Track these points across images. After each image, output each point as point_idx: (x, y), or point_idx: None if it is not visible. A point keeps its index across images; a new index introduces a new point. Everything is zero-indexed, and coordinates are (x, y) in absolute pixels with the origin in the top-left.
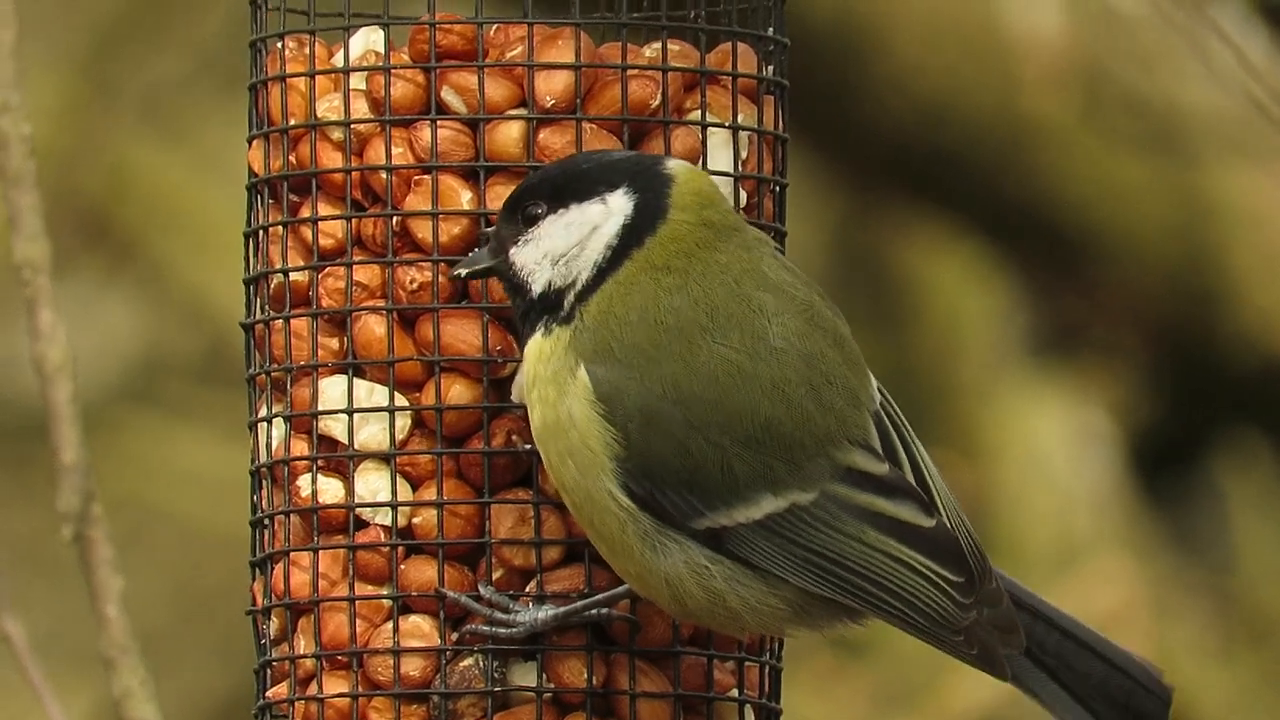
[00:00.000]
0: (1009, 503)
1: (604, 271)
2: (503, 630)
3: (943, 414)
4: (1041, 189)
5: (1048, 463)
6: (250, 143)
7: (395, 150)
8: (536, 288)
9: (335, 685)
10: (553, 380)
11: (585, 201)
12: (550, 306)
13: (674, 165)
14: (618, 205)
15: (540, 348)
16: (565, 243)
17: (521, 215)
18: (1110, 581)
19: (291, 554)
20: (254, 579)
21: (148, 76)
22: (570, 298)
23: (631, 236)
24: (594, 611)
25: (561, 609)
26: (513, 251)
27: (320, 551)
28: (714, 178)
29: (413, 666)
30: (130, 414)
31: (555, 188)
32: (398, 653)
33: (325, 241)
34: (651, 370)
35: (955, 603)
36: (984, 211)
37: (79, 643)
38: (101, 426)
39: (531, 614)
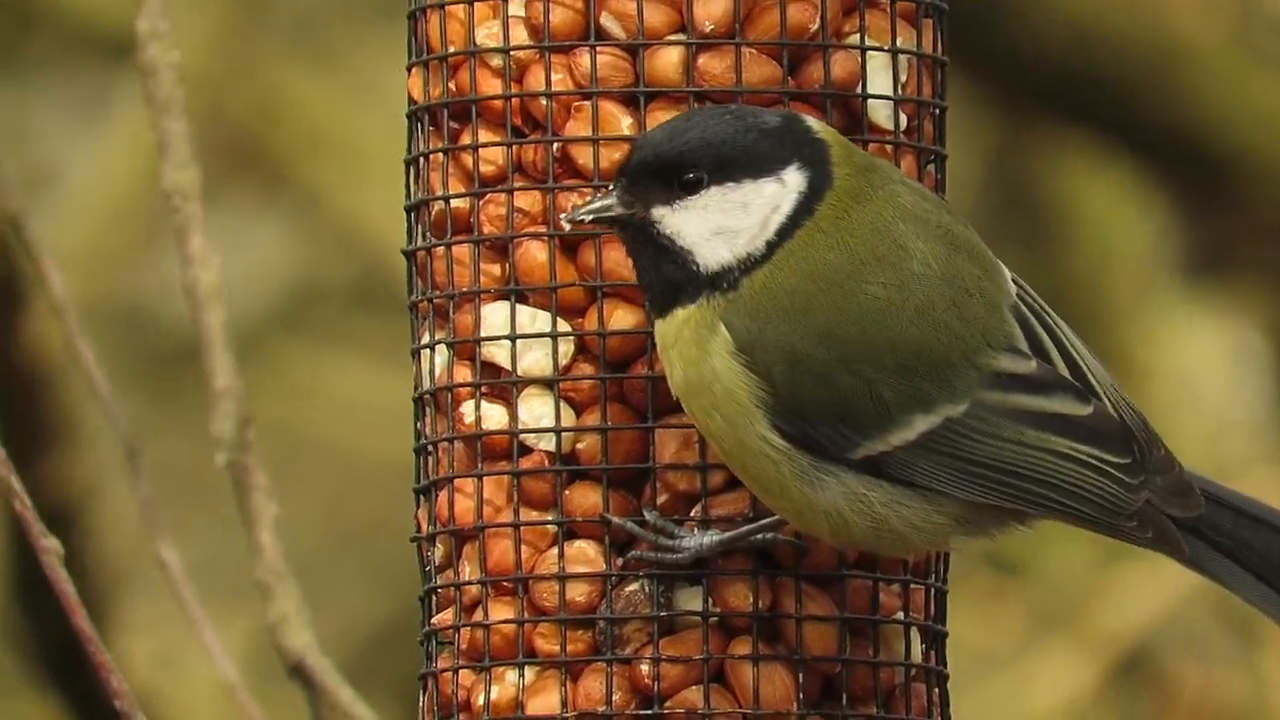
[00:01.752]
0: (1162, 424)
1: (774, 245)
2: (668, 556)
3: (1095, 336)
4: (1193, 111)
5: (1201, 384)
6: (410, 70)
7: (555, 76)
8: (707, 263)
9: (501, 611)
10: (694, 340)
11: (760, 179)
12: (716, 280)
13: (817, 125)
14: (794, 182)
15: (689, 315)
16: (742, 220)
17: (679, 180)
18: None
19: (455, 480)
20: (418, 506)
21: (298, 1)
22: (737, 272)
23: (804, 209)
24: (759, 536)
25: (727, 534)
26: (661, 213)
27: (484, 478)
28: (873, 101)
29: (578, 592)
30: (283, 341)
31: (720, 158)
32: (563, 578)
33: (486, 168)
34: (802, 321)
35: (1124, 485)
36: (1135, 134)
37: (234, 570)
38: (255, 353)
39: (697, 539)
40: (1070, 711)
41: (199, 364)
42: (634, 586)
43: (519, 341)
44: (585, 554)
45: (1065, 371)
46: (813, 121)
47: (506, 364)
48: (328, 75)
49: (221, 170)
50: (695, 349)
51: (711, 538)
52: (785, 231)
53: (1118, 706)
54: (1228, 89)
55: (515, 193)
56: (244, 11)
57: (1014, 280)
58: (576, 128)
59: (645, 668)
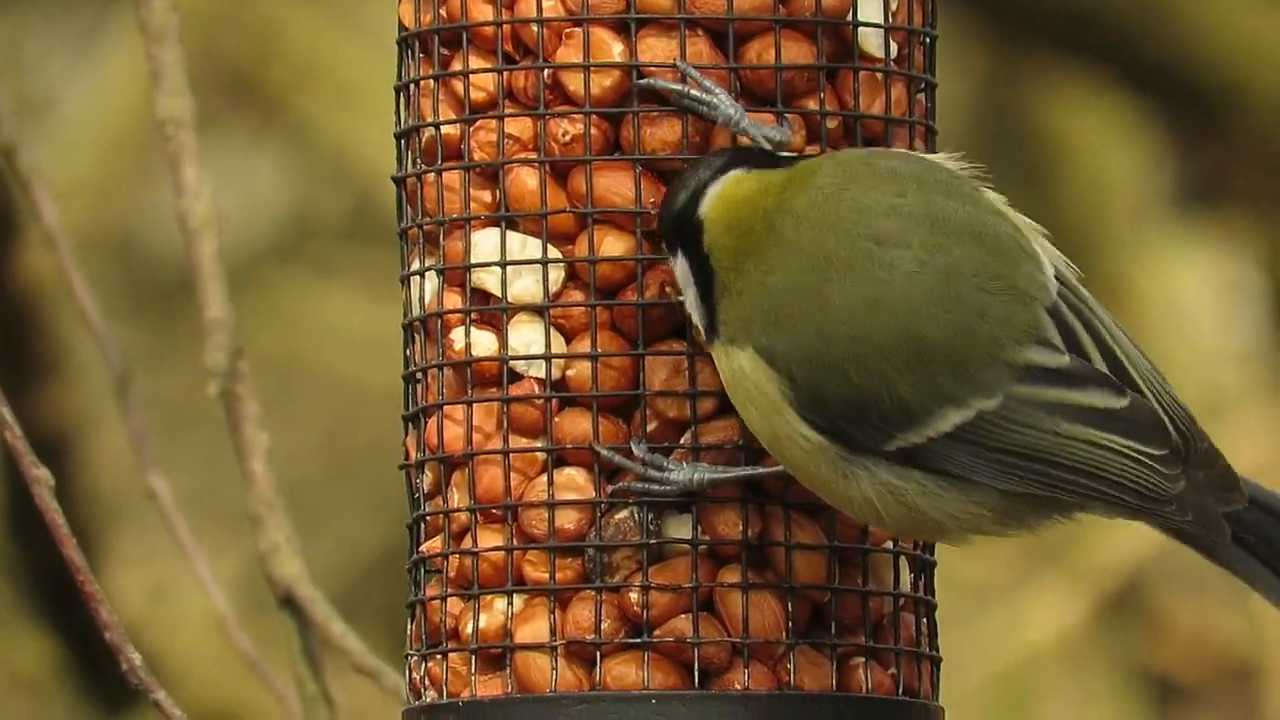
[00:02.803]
0: (1155, 356)
1: (712, 306)
2: (655, 488)
3: (1088, 268)
4: (1188, 43)
5: (1194, 315)
6: None
7: (546, 3)
8: (693, 317)
9: (490, 539)
10: (723, 353)
11: (673, 258)
12: (704, 328)
13: (705, 205)
14: (682, 270)
15: (714, 351)
16: (683, 287)
17: None
18: (1255, 434)
19: (445, 408)
20: (406, 433)
21: None
22: (704, 324)
23: (704, 282)
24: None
25: (717, 474)
26: None
27: (474, 405)
28: (864, 29)
29: (567, 519)
30: (277, 271)
31: (662, 234)
32: (552, 505)
33: (476, 95)
34: (796, 330)
35: (1161, 475)
36: (1130, 65)
37: (226, 500)
38: (248, 284)
39: (686, 474)
40: (1064, 645)
41: (192, 294)
42: (623, 514)
43: (509, 268)
44: (574, 481)
45: (1102, 365)
46: (706, 205)
47: (496, 290)
48: (322, 6)
49: (216, 102)
50: (724, 357)
51: (701, 474)
52: (706, 296)
53: (1111, 641)
54: (1223, 21)
55: (506, 119)
56: None
57: (1057, 273)
58: (567, 54)
59: (634, 596)
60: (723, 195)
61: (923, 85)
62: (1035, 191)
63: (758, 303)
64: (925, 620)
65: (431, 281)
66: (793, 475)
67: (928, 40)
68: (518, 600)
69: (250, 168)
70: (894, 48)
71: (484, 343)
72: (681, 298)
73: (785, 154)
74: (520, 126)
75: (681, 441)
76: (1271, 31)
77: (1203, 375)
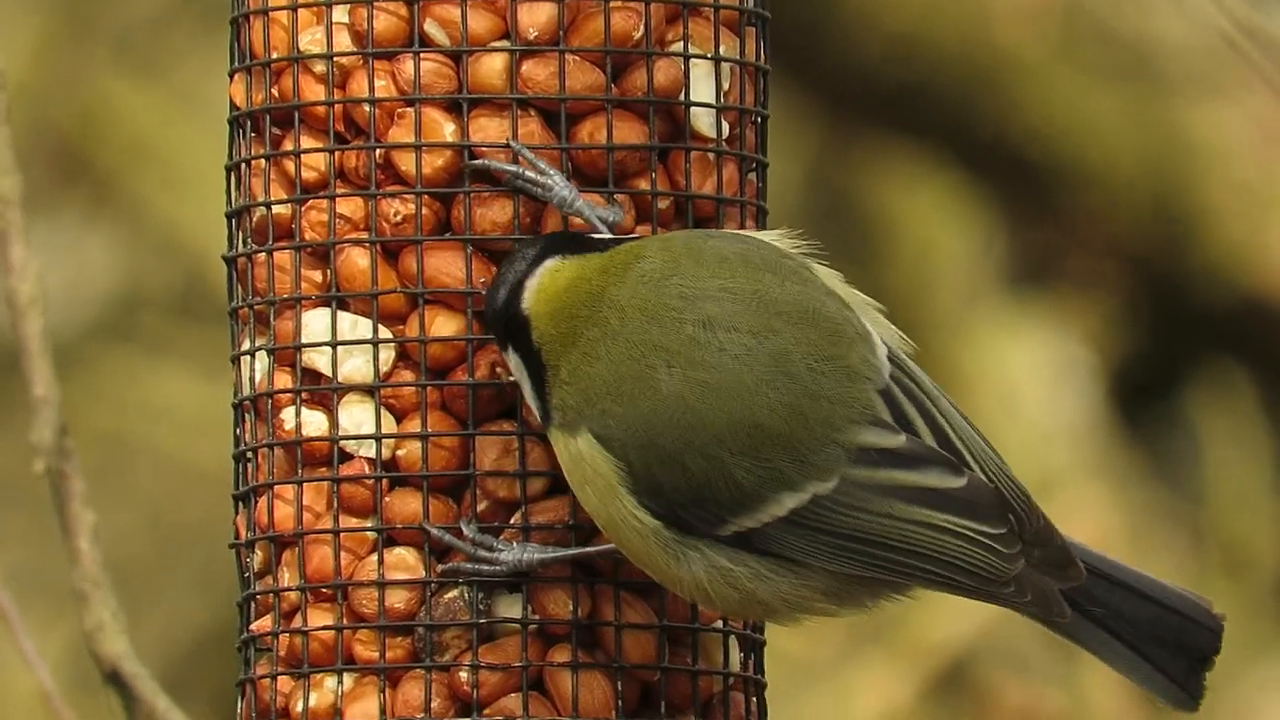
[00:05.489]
0: (985, 434)
1: (546, 395)
2: (485, 568)
3: (919, 346)
4: (1015, 121)
5: (1023, 394)
6: (232, 76)
7: (378, 83)
8: (531, 406)
9: (320, 618)
10: (561, 438)
11: (504, 352)
12: (540, 415)
13: (527, 299)
14: (515, 363)
15: (552, 435)
16: (519, 379)
17: None
18: (1086, 513)
19: (275, 487)
20: (237, 512)
21: (123, 13)
22: (540, 412)
23: (537, 374)
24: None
25: (547, 554)
26: None
27: (304, 484)
28: (696, 109)
29: (397, 599)
30: (106, 350)
31: (491, 331)
32: (382, 585)
33: (308, 174)
34: (628, 418)
35: (1000, 555)
36: (958, 144)
37: (52, 578)
38: (77, 362)
39: (515, 554)
40: None
41: (18, 372)
42: (453, 594)
43: (340, 348)
44: (405, 561)
45: (933, 444)
46: (528, 298)
47: (327, 370)
48: (152, 86)
49: (45, 180)
50: (563, 439)
51: (531, 555)
52: (539, 388)
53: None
54: (1052, 100)
55: (337, 199)
56: (68, 22)
57: (890, 352)
58: (399, 134)
59: (464, 675)
60: (542, 287)
61: (754, 165)
62: (867, 270)
63: (589, 390)
64: (755, 699)
65: (262, 361)
66: (624, 555)
67: (759, 120)
68: (348, 679)
69: (80, 245)
70: (726, 128)
71: (314, 422)
72: (513, 378)
73: (607, 236)
74: (351, 206)
75: (512, 521)
76: (1102, 111)
77: (1033, 454)
